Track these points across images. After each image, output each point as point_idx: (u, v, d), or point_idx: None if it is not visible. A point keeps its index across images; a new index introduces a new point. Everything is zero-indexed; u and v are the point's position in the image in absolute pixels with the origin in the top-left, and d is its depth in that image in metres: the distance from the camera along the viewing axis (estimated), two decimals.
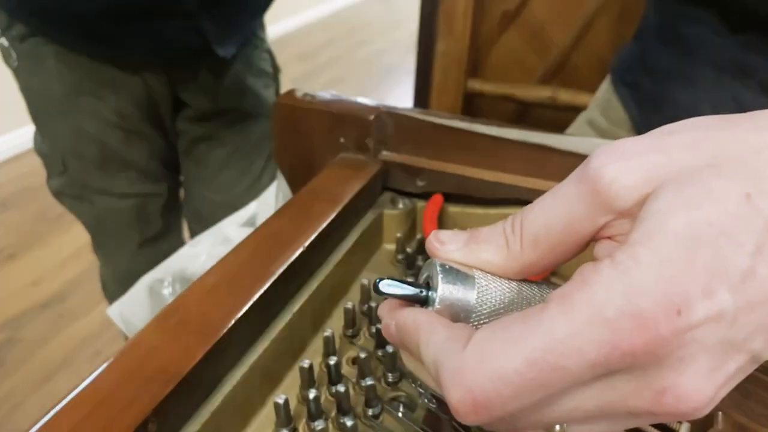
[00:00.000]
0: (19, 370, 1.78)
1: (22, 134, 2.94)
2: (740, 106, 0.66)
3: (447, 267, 0.27)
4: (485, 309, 0.27)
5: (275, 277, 0.42)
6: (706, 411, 0.22)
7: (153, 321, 0.38)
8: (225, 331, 0.37)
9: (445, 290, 0.26)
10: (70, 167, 1.20)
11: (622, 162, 0.23)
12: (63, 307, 2.00)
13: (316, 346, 0.46)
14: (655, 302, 0.20)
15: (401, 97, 3.67)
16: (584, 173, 0.24)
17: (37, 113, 1.15)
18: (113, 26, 1.06)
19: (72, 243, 2.24)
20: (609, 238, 0.25)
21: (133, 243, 1.31)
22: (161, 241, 1.37)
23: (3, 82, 1.36)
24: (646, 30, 0.78)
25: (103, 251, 1.36)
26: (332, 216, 0.49)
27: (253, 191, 1.36)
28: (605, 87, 0.84)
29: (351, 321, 0.47)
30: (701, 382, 0.21)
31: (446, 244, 0.27)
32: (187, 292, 0.40)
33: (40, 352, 1.84)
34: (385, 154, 0.60)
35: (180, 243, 1.44)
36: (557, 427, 0.24)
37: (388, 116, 0.59)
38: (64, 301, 2.03)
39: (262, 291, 0.40)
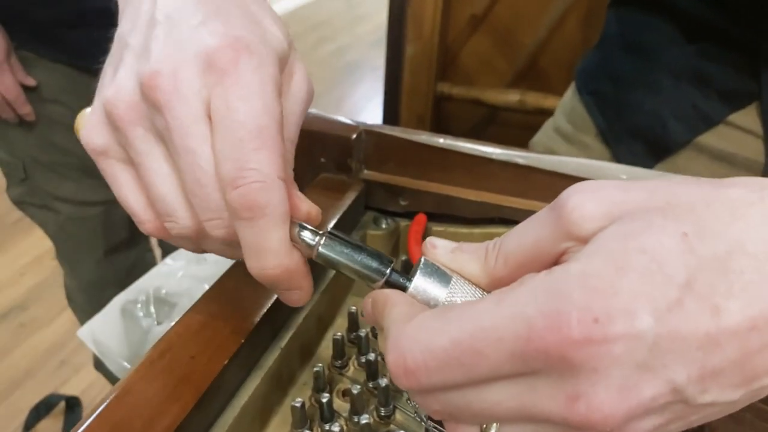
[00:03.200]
0: None
1: None
2: (700, 113, 0.67)
3: (430, 264, 0.30)
4: None
5: (262, 313, 0.41)
6: (618, 427, 0.22)
7: (141, 365, 0.36)
8: (215, 376, 0.36)
9: (419, 281, 0.29)
10: (31, 175, 1.16)
11: (587, 193, 0.25)
12: (24, 317, 1.94)
13: (305, 378, 0.45)
14: (574, 307, 0.21)
15: (366, 94, 3.65)
16: (556, 201, 0.26)
17: None
18: (74, 33, 1.03)
19: (32, 249, 2.18)
20: None
21: (98, 251, 1.28)
22: (128, 250, 1.34)
23: None
24: (607, 38, 0.78)
25: (67, 261, 1.32)
26: None
27: None
28: (570, 94, 0.84)
29: (340, 352, 0.46)
30: (612, 397, 0.21)
31: (437, 248, 0.30)
32: (172, 333, 0.39)
33: (2, 364, 1.78)
34: (367, 173, 0.59)
35: (147, 251, 1.41)
36: (492, 429, 0.26)
37: (369, 135, 0.58)
38: (25, 310, 1.97)
39: (250, 329, 0.39)
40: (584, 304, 0.21)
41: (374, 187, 0.58)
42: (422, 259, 0.30)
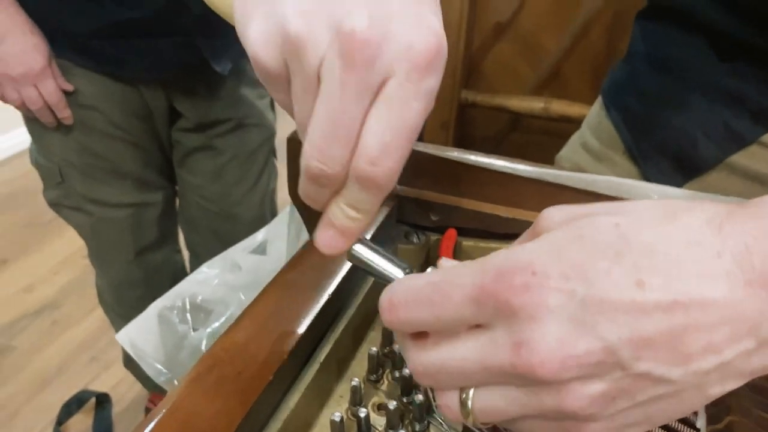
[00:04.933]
0: (14, 379, 1.77)
1: (13, 137, 2.91)
2: (731, 133, 0.66)
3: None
4: None
5: (303, 328, 0.43)
6: (557, 376, 0.25)
7: (189, 380, 0.38)
8: (261, 391, 0.38)
9: None
10: (67, 178, 1.20)
11: (557, 208, 0.31)
12: (57, 314, 1.99)
13: (341, 391, 0.47)
14: (518, 265, 0.26)
15: None
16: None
17: (33, 125, 1.15)
18: (109, 44, 1.06)
19: (65, 248, 2.23)
20: None
21: (129, 252, 1.32)
22: (157, 250, 1.37)
23: None
24: (635, 53, 0.77)
25: (99, 261, 1.35)
26: None
27: (247, 200, 1.37)
28: (596, 109, 0.83)
29: (375, 366, 0.47)
30: (550, 345, 0.25)
31: (448, 264, 0.35)
32: (218, 349, 0.41)
33: (35, 360, 1.83)
34: (399, 189, 0.60)
35: (176, 251, 1.44)
36: (469, 399, 0.29)
37: None
38: (58, 308, 2.01)
39: (293, 345, 0.41)
40: (527, 263, 0.26)
41: (406, 202, 0.60)
42: (429, 269, 0.34)
